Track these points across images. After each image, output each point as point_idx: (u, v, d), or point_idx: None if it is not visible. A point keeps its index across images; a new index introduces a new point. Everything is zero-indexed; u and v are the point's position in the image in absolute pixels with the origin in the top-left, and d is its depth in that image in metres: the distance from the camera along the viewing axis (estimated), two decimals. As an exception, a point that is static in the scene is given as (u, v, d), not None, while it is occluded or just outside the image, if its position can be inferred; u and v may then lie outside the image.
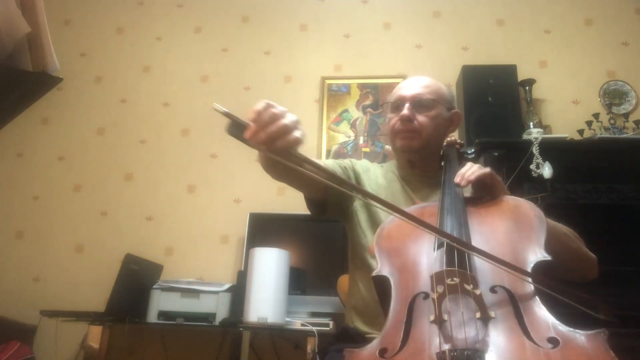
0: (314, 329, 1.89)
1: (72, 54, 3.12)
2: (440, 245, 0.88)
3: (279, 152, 0.79)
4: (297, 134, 0.81)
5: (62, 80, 1.07)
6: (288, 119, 0.80)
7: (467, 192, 1.11)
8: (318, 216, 1.25)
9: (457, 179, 1.06)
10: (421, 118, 1.24)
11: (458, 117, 1.35)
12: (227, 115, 0.76)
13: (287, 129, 0.79)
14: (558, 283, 0.78)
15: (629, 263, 2.06)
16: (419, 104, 1.25)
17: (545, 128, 2.55)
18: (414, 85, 1.30)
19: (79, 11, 3.26)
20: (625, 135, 2.42)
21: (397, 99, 1.29)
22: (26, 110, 1.19)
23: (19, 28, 0.96)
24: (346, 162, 1.31)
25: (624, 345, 0.65)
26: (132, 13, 3.22)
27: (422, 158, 1.29)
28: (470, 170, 1.06)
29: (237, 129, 0.78)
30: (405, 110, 1.23)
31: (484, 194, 1.06)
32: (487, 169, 1.07)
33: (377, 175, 1.32)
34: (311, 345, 1.87)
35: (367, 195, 0.84)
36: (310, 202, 1.24)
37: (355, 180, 1.28)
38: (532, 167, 2.15)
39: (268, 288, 1.91)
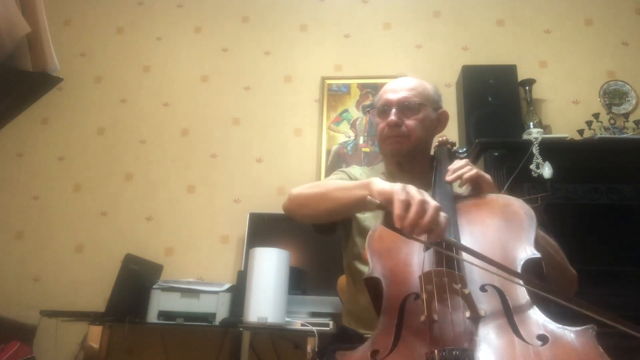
0: (314, 329, 1.89)
1: (72, 54, 3.12)
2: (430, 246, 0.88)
3: (434, 240, 0.82)
4: (444, 216, 0.83)
5: (62, 80, 1.07)
6: (433, 210, 0.81)
7: (456, 189, 1.12)
8: (327, 236, 1.26)
9: (448, 177, 1.08)
10: (409, 122, 1.25)
11: (445, 117, 1.35)
12: (379, 208, 0.83)
13: (437, 220, 0.81)
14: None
15: (628, 263, 2.06)
16: (405, 107, 1.26)
17: (545, 128, 2.55)
18: (399, 89, 1.29)
19: (79, 11, 3.26)
20: (625, 135, 2.42)
21: (383, 103, 1.29)
22: (26, 110, 1.19)
23: (19, 28, 0.96)
24: (341, 175, 1.32)
25: (623, 346, 0.65)
26: (132, 13, 3.23)
27: (411, 160, 1.30)
28: (462, 170, 1.07)
29: (393, 222, 0.82)
30: (393, 116, 1.24)
31: (473, 192, 1.08)
32: (474, 171, 1.07)
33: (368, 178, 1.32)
34: (311, 345, 1.87)
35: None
36: (319, 227, 1.24)
37: None
38: (532, 167, 2.15)
39: (268, 288, 1.91)
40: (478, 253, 0.79)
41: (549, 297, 0.72)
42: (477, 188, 1.08)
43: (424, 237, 0.81)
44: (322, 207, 1.10)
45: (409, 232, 0.79)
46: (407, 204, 0.80)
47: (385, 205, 0.82)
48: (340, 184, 1.12)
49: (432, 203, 0.82)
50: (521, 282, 0.78)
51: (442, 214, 0.83)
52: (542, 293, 0.73)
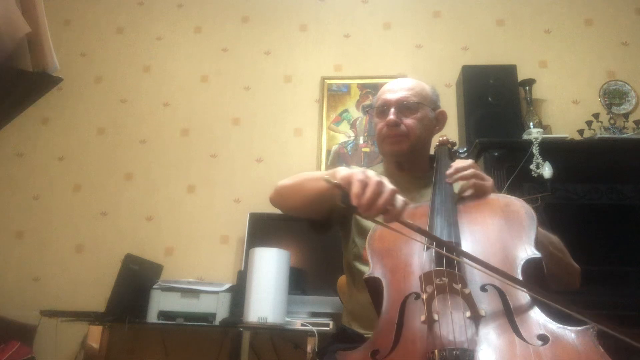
0: (314, 329, 1.89)
1: (72, 54, 3.12)
2: (430, 246, 0.88)
3: (390, 221, 0.86)
4: (401, 199, 0.87)
5: (62, 80, 1.07)
6: (389, 192, 0.85)
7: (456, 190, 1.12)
8: (321, 235, 1.26)
9: (449, 178, 1.08)
10: (408, 121, 1.25)
11: (444, 117, 1.36)
12: (338, 187, 0.86)
13: (393, 201, 0.85)
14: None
15: (629, 263, 2.06)
16: (404, 107, 1.26)
17: (545, 128, 2.55)
18: (398, 88, 1.29)
19: (79, 11, 3.26)
20: (625, 135, 2.42)
21: (382, 103, 1.29)
22: (26, 110, 1.19)
23: (19, 28, 0.96)
24: None
25: (624, 345, 0.65)
26: (132, 13, 3.23)
27: (411, 160, 1.30)
28: (464, 173, 1.07)
29: (349, 201, 0.85)
30: (392, 115, 1.24)
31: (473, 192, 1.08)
32: (472, 181, 1.07)
33: None
34: (311, 345, 1.87)
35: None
36: (313, 223, 1.24)
37: None
38: (532, 167, 2.15)
39: (268, 288, 1.91)
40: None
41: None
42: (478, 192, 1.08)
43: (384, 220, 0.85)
44: (298, 198, 1.14)
45: (365, 210, 0.83)
46: (364, 184, 0.84)
47: (344, 186, 0.86)
48: (313, 174, 1.14)
49: (389, 186, 0.86)
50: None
51: (400, 197, 0.86)
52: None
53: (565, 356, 0.64)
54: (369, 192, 0.83)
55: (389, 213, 0.84)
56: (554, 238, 1.09)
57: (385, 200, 0.83)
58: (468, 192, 1.08)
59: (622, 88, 2.65)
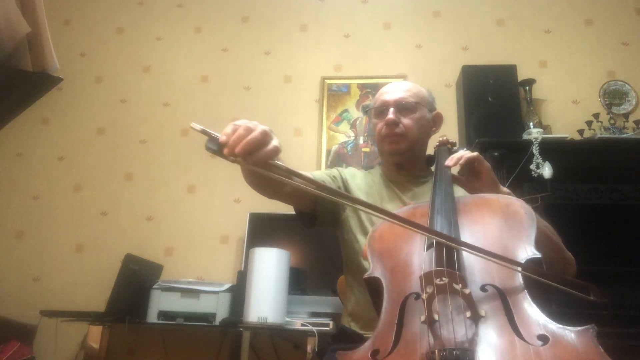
0: (314, 329, 1.89)
1: (72, 54, 3.12)
2: (430, 246, 0.88)
3: (259, 164, 0.80)
4: (273, 143, 0.82)
5: (62, 80, 1.07)
6: (259, 131, 0.80)
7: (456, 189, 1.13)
8: (309, 227, 1.27)
9: (447, 162, 1.10)
10: (406, 121, 1.28)
11: (440, 119, 1.39)
12: (203, 132, 0.77)
13: (263, 141, 0.80)
14: (545, 271, 0.79)
15: (629, 263, 2.07)
16: (402, 107, 1.29)
17: (545, 128, 2.55)
18: (396, 90, 1.33)
19: (79, 11, 3.26)
20: (625, 135, 2.42)
21: (380, 104, 1.32)
22: (26, 110, 1.19)
23: (19, 28, 0.96)
24: (333, 171, 1.34)
25: (624, 345, 0.65)
26: (132, 13, 3.23)
27: (409, 160, 1.33)
28: (461, 153, 1.10)
29: (215, 144, 0.79)
30: (390, 115, 1.27)
31: (473, 179, 1.10)
32: (475, 153, 1.10)
33: (364, 179, 1.35)
34: (311, 345, 1.87)
35: (354, 200, 0.86)
36: (300, 214, 1.26)
37: (344, 188, 1.31)
38: (532, 167, 2.15)
39: (268, 288, 1.91)
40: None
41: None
42: (475, 173, 1.10)
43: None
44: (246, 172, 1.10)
45: (232, 147, 0.77)
46: (237, 125, 0.80)
47: (208, 132, 0.79)
48: None
49: (263, 127, 0.82)
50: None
51: (275, 140, 0.82)
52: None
53: (565, 356, 0.64)
54: (239, 129, 0.79)
55: (257, 155, 0.79)
56: (549, 226, 1.10)
57: (255, 137, 0.78)
58: (465, 170, 1.11)
59: (622, 88, 2.66)
